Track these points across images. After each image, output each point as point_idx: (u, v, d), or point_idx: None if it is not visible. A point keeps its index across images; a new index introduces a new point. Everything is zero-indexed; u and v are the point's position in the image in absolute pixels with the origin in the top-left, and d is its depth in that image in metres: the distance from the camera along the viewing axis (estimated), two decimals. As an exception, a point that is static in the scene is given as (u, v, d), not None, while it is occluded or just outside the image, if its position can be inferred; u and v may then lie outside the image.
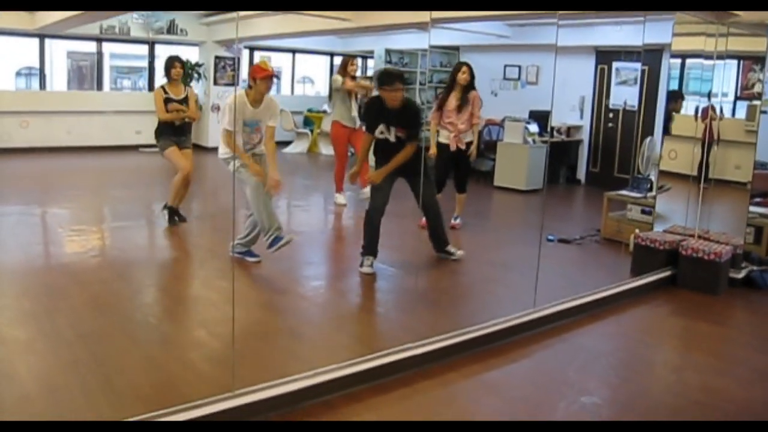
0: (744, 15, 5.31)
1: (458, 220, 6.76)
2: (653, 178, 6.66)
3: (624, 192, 6.76)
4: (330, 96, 8.11)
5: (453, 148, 6.49)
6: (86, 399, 3.01)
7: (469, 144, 6.58)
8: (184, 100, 6.36)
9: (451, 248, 5.64)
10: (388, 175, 5.10)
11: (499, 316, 4.04)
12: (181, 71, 6.40)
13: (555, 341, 4.07)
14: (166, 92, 6.28)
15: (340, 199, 7.84)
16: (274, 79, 5.12)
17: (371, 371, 3.29)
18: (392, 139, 5.12)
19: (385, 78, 5.02)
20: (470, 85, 6.52)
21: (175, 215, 6.40)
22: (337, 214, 7.76)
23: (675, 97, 6.28)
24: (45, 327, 3.87)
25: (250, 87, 5.07)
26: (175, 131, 6.36)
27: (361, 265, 5.11)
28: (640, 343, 4.24)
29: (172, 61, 6.36)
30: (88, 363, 3.40)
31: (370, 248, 5.15)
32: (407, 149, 5.07)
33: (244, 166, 5.01)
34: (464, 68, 6.50)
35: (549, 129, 9.01)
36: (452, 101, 6.46)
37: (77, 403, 2.97)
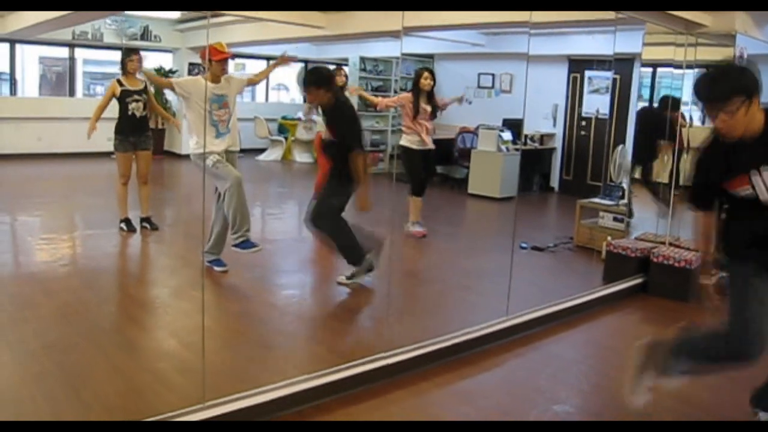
0: (711, 26, 5.40)
1: (419, 227, 6.76)
2: (625, 185, 6.73)
3: (596, 200, 6.82)
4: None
5: (426, 147, 6.67)
6: (52, 411, 2.95)
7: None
8: (143, 92, 6.27)
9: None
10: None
11: (472, 325, 4.05)
12: (138, 65, 6.28)
13: (527, 349, 4.09)
14: (122, 84, 6.20)
15: None
16: (229, 61, 5.14)
17: (343, 381, 3.27)
18: None
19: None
20: (433, 90, 6.69)
21: (128, 223, 6.34)
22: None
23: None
24: (10, 338, 3.80)
25: (205, 70, 5.09)
26: (135, 128, 6.24)
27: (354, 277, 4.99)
28: (611, 350, 4.27)
29: (129, 54, 6.28)
30: (55, 374, 3.34)
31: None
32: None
33: (221, 162, 4.98)
34: (426, 74, 6.67)
35: (523, 137, 9.08)
36: (427, 108, 6.57)
37: (43, 415, 2.90)
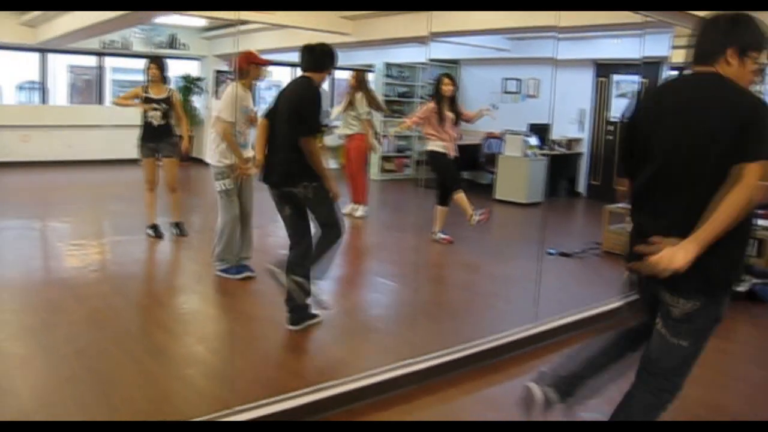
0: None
1: (444, 234, 6.75)
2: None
3: (624, 205, 6.73)
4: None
5: (452, 155, 6.64)
6: (83, 415, 2.98)
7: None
8: (165, 101, 6.33)
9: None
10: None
11: (500, 331, 4.02)
12: (158, 72, 6.30)
13: (556, 356, 4.04)
14: (146, 91, 6.27)
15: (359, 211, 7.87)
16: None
17: (372, 387, 3.27)
18: None
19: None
20: (454, 96, 6.66)
21: (155, 229, 6.42)
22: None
23: None
24: (43, 342, 3.85)
25: (241, 76, 5.02)
26: (153, 135, 6.31)
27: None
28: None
29: (147, 63, 6.34)
30: (86, 378, 3.38)
31: None
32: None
33: (229, 192, 5.04)
34: (446, 80, 6.64)
35: (549, 142, 9.02)
36: (450, 114, 6.54)
37: (74, 419, 2.94)
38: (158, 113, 6.26)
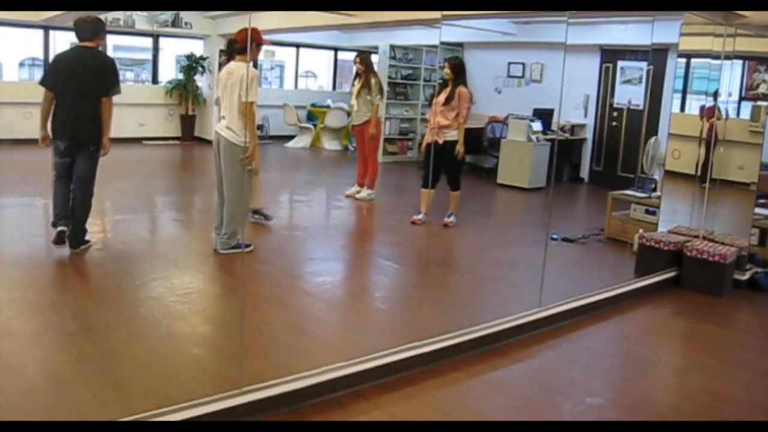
0: (752, 16, 5.30)
1: (451, 218, 6.72)
2: (657, 177, 6.66)
3: (629, 192, 6.76)
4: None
5: (430, 140, 6.56)
6: (93, 392, 3.01)
7: (451, 143, 6.54)
8: None
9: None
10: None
11: (504, 315, 4.05)
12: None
13: (559, 341, 4.08)
14: None
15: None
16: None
17: (378, 369, 3.29)
18: None
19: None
20: (456, 81, 6.53)
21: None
22: (341, 209, 7.76)
23: None
24: (50, 319, 3.87)
25: (237, 53, 5.24)
26: None
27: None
28: (643, 344, 4.25)
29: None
30: (94, 356, 3.40)
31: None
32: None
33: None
34: (445, 63, 6.64)
35: (558, 126, 9.01)
36: (441, 97, 6.52)
37: (84, 397, 2.97)
38: None
